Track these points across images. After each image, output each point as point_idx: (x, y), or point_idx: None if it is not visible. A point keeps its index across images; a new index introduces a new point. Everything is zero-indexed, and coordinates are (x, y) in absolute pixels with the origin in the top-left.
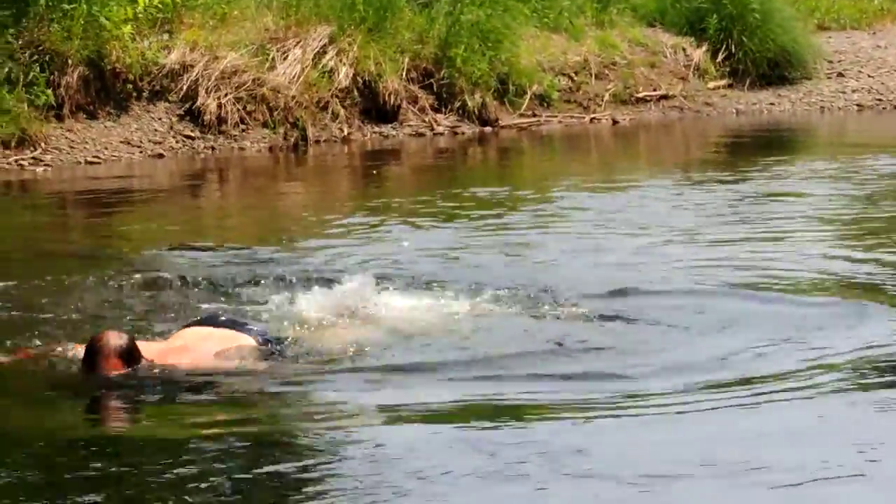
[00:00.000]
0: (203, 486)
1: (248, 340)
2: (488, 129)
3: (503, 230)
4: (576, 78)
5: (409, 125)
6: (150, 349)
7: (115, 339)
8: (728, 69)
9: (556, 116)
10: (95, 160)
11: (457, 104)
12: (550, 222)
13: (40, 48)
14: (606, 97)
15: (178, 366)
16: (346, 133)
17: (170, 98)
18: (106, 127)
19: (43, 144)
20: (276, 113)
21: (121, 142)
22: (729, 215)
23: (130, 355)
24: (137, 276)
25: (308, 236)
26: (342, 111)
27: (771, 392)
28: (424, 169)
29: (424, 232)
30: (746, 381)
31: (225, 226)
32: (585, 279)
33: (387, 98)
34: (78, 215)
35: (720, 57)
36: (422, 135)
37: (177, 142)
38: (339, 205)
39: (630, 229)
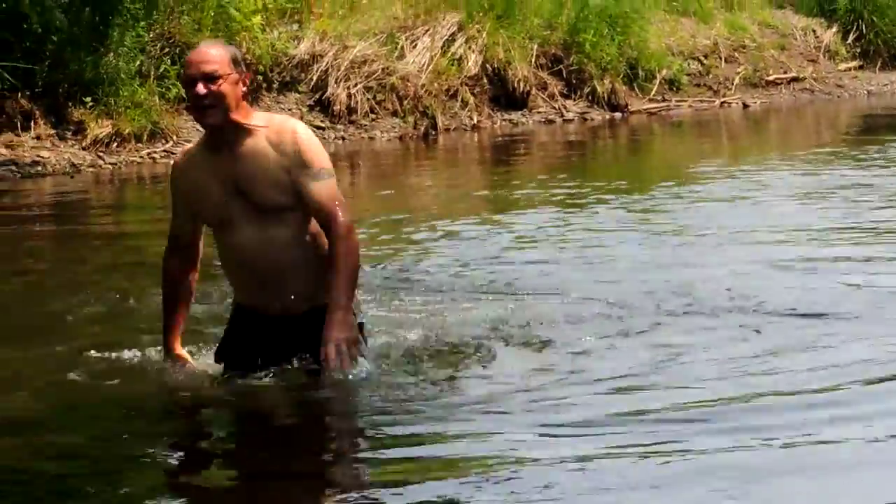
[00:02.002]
0: None
1: None
2: (618, 114)
3: (643, 223)
4: (705, 62)
5: (538, 112)
6: None
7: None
8: (859, 50)
9: (685, 101)
10: None
11: (586, 90)
12: (690, 217)
13: (171, 41)
14: (736, 81)
15: None
16: (475, 121)
17: (300, 88)
18: None
19: (174, 137)
20: (405, 102)
21: None
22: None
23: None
24: None
25: (436, 229)
26: (472, 99)
27: None
28: (555, 156)
29: (562, 227)
30: None
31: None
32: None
33: (516, 85)
34: None
35: (850, 38)
36: (551, 121)
37: None
38: (469, 195)
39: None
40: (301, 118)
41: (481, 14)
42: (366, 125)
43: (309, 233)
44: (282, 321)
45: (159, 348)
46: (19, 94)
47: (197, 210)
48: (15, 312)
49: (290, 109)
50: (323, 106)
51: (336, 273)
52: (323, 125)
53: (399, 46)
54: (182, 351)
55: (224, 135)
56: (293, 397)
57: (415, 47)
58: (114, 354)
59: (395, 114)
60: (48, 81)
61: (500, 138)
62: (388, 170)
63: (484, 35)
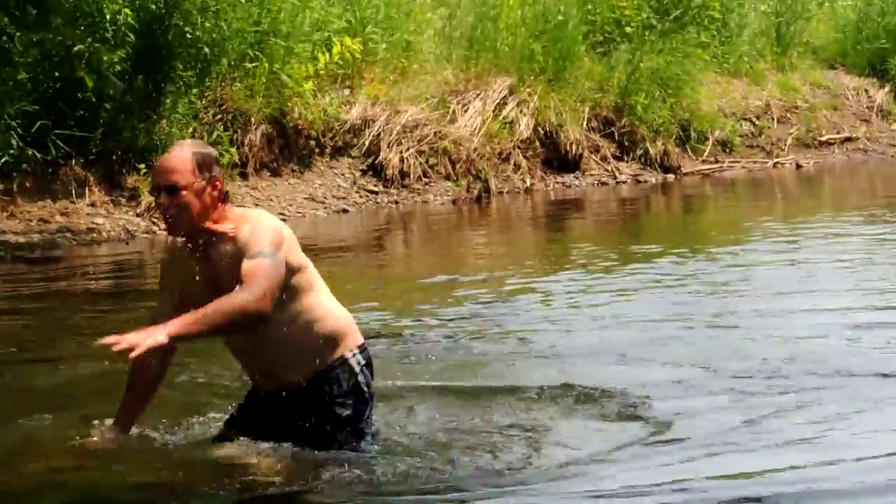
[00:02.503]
0: None
1: None
2: (671, 176)
3: (700, 293)
4: (757, 122)
5: (591, 174)
6: None
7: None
8: None
9: (738, 162)
10: (280, 217)
11: (639, 152)
12: (748, 283)
13: (223, 107)
14: (789, 141)
15: None
16: (528, 184)
17: (352, 153)
18: (290, 184)
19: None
20: (458, 165)
21: (305, 198)
22: None
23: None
24: None
25: (489, 292)
26: (524, 162)
27: None
28: (609, 220)
29: (615, 295)
30: None
31: (411, 277)
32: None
33: (568, 147)
34: None
35: None
36: (604, 183)
37: (360, 197)
38: (522, 258)
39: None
40: (354, 183)
41: (532, 77)
42: (419, 189)
43: (295, 321)
44: (277, 397)
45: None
46: (73, 162)
47: (186, 301)
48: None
49: (342, 174)
50: (375, 170)
51: (207, 308)
52: (376, 189)
53: (451, 110)
54: (114, 430)
55: (193, 242)
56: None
57: (466, 111)
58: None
59: (447, 177)
60: (102, 149)
61: (553, 201)
62: (442, 233)
63: (535, 98)
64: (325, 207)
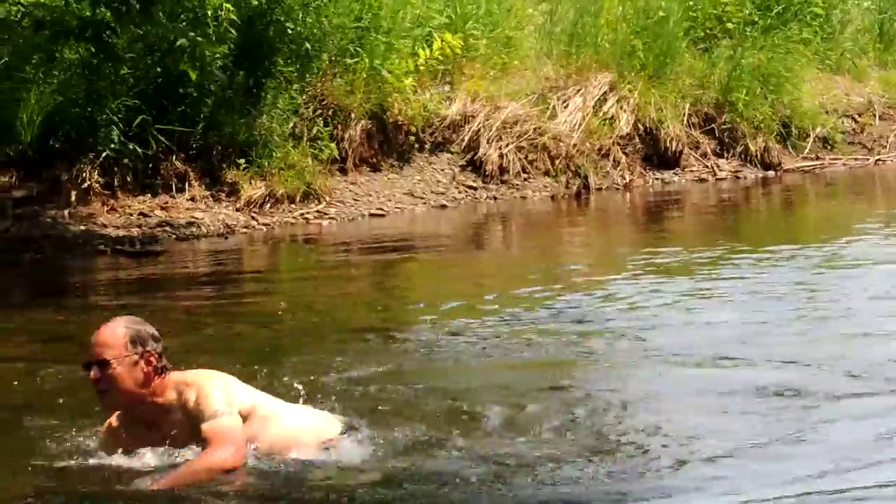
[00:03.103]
0: None
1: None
2: (771, 173)
3: (804, 292)
4: (859, 119)
5: (690, 171)
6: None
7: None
8: None
9: (839, 159)
10: (379, 212)
11: (739, 148)
12: (855, 280)
13: (323, 102)
14: (892, 138)
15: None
16: (627, 180)
17: (452, 149)
18: (389, 179)
19: (328, 198)
20: (557, 161)
21: (404, 194)
22: None
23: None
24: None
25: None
26: (623, 158)
27: None
28: (709, 216)
29: (717, 294)
30: None
31: (505, 275)
32: None
33: (668, 144)
34: (364, 267)
35: None
36: (703, 180)
37: (459, 192)
38: (622, 255)
39: None
40: (453, 178)
41: (633, 74)
42: (517, 185)
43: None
44: None
45: None
46: (174, 157)
47: None
48: None
49: (442, 169)
50: (475, 166)
51: (186, 466)
52: (475, 185)
53: (550, 106)
54: None
55: (135, 412)
56: None
57: (566, 107)
58: None
59: (546, 173)
60: (202, 144)
61: (652, 198)
62: (540, 229)
63: (636, 94)
64: (424, 203)
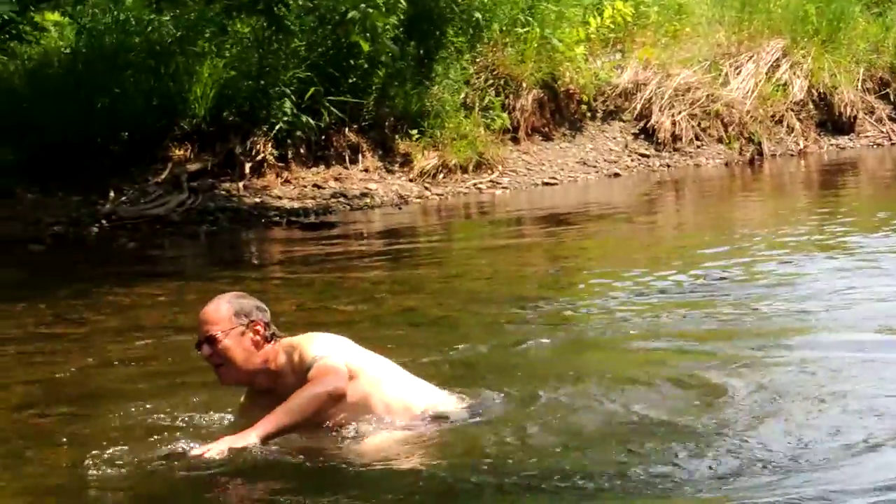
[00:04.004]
0: None
1: None
2: None
3: None
4: None
5: (865, 136)
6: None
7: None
8: None
9: None
10: (552, 181)
11: None
12: None
13: (494, 72)
14: None
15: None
16: (801, 146)
17: (623, 117)
18: (561, 148)
19: (500, 167)
20: (730, 128)
21: (577, 162)
22: None
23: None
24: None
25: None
26: (797, 124)
27: None
28: (885, 183)
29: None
30: None
31: (680, 244)
32: None
33: (842, 110)
34: (537, 237)
35: None
36: (879, 145)
37: (632, 160)
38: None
39: None
40: (625, 146)
41: (806, 39)
42: (691, 152)
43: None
44: None
45: None
46: (346, 129)
47: None
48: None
49: (614, 138)
50: (647, 134)
51: (283, 405)
52: (647, 153)
53: (723, 73)
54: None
55: (254, 382)
56: None
57: (739, 74)
58: None
59: (720, 140)
60: (374, 115)
61: (826, 164)
62: (714, 196)
63: (809, 60)
64: (597, 171)
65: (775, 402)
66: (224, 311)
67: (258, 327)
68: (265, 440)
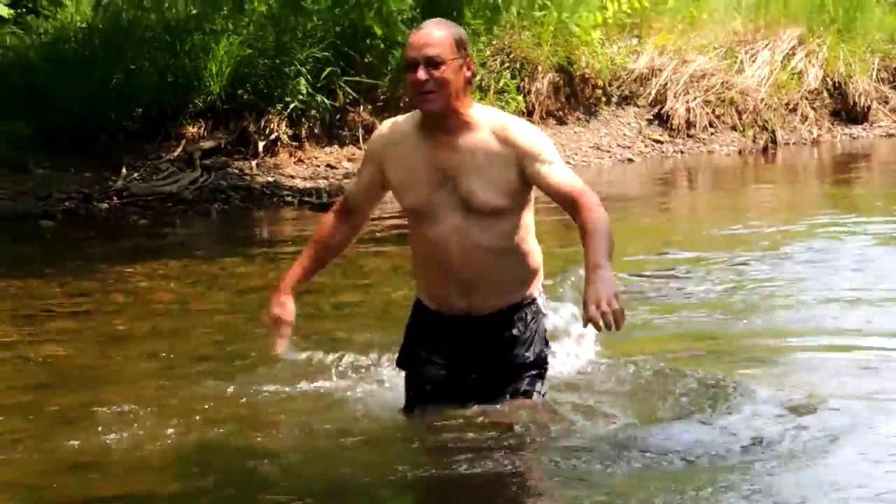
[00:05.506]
0: None
1: None
2: None
3: None
4: None
5: (879, 126)
6: None
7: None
8: None
9: None
10: (567, 165)
11: None
12: None
13: (510, 55)
14: None
15: None
16: (815, 135)
17: (638, 103)
18: (575, 132)
19: None
20: (744, 116)
21: (590, 147)
22: None
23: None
24: None
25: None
26: (811, 113)
27: None
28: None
29: None
30: None
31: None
32: None
33: (857, 99)
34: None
35: None
36: (892, 135)
37: (646, 146)
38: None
39: None
40: (639, 132)
41: (822, 28)
42: (704, 139)
43: (514, 240)
44: (463, 321)
45: None
46: (361, 108)
47: (396, 189)
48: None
49: (628, 123)
50: (661, 120)
51: (591, 235)
52: (661, 139)
53: (738, 60)
54: (290, 301)
55: (442, 122)
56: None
57: (754, 61)
58: None
59: (734, 128)
60: (389, 96)
61: (840, 153)
62: (727, 184)
63: (824, 49)
64: (611, 156)
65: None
66: (448, 37)
67: (471, 65)
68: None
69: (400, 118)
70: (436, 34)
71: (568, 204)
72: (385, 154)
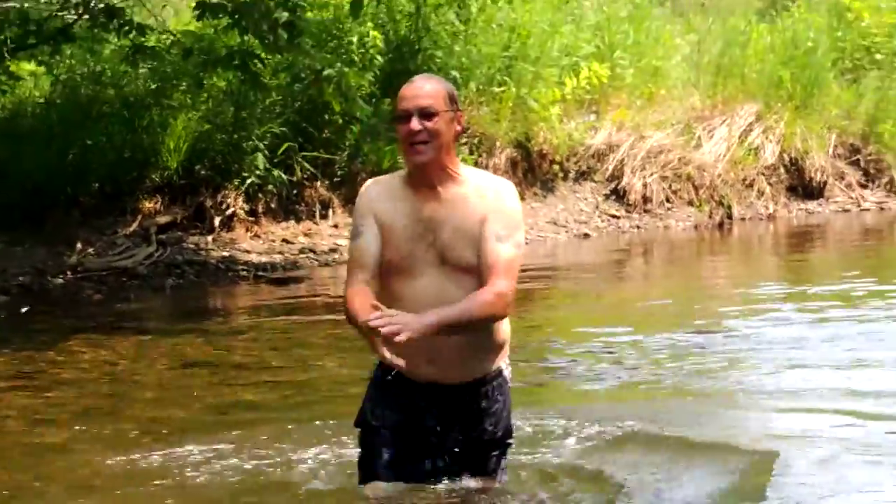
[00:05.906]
0: None
1: None
2: None
3: None
4: None
5: (834, 201)
6: None
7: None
8: None
9: None
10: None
11: (884, 180)
12: None
13: (469, 130)
14: None
15: None
16: (771, 210)
17: (595, 178)
18: (532, 207)
19: None
20: (701, 191)
21: (547, 222)
22: None
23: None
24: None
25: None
26: (768, 188)
27: None
28: (852, 248)
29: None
30: None
31: (643, 309)
32: None
33: (813, 175)
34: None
35: None
36: (847, 211)
37: (602, 221)
38: (765, 289)
39: None
40: (596, 207)
41: (779, 104)
42: (661, 214)
43: None
44: (430, 389)
45: None
46: (318, 183)
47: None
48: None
49: (585, 198)
50: (618, 195)
51: (465, 300)
52: (618, 214)
53: (696, 136)
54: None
55: (430, 176)
56: None
57: (711, 137)
58: None
59: (690, 203)
60: (347, 171)
61: (795, 228)
62: (683, 258)
63: (782, 125)
64: (567, 231)
65: None
66: (440, 89)
67: (462, 119)
68: (438, 329)
69: (383, 177)
70: (428, 87)
71: (484, 275)
72: (373, 206)
